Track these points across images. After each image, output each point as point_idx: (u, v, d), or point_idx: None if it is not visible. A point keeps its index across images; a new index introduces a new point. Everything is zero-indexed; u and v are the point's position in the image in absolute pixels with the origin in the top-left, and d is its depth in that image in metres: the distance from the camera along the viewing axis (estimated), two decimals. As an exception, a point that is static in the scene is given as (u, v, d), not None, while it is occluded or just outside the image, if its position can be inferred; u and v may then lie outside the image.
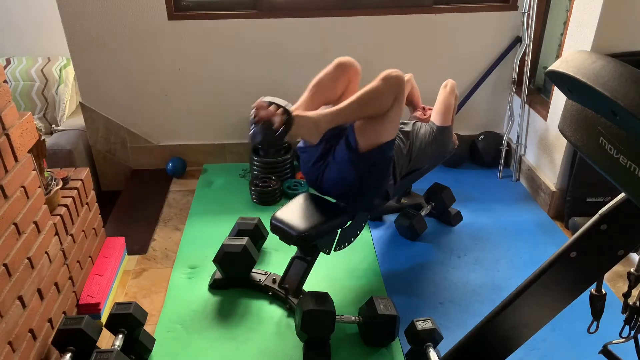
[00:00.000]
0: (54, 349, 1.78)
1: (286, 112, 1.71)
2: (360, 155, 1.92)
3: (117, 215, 2.84)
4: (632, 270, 1.12)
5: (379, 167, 1.98)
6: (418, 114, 2.59)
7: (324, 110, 1.87)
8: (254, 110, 1.73)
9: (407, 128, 2.32)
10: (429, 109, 2.59)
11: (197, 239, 2.59)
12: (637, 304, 1.14)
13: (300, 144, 2.08)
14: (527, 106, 3.01)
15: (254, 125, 1.73)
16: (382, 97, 1.83)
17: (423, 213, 2.61)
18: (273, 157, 2.96)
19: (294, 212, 2.04)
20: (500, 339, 1.36)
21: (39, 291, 1.73)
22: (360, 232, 2.25)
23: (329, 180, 2.03)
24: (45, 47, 3.27)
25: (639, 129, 0.82)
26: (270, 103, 1.72)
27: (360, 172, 1.96)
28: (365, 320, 1.95)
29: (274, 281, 2.21)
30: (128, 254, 2.48)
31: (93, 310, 2.03)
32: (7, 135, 1.59)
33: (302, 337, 1.90)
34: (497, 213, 2.79)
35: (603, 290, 1.20)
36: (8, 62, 3.14)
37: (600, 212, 1.09)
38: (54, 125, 3.10)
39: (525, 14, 2.87)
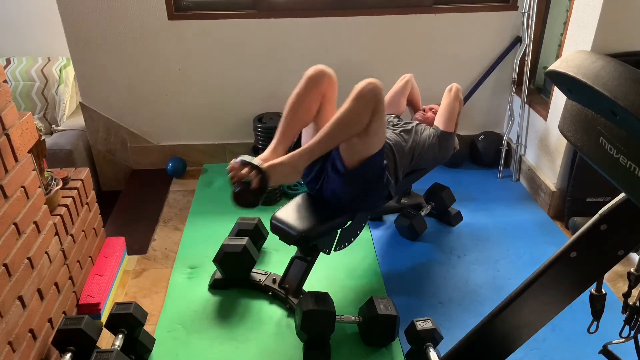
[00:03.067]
0: (54, 349, 1.77)
1: (259, 171, 1.72)
2: (350, 173, 1.90)
3: (117, 215, 2.84)
4: (632, 270, 1.12)
5: (373, 180, 1.96)
6: (419, 114, 2.59)
7: (298, 150, 1.80)
8: (229, 172, 1.75)
9: (409, 127, 2.32)
10: (430, 109, 2.59)
11: (197, 239, 2.59)
12: (637, 304, 1.14)
13: None
14: (527, 106, 3.01)
15: (234, 185, 1.75)
16: (358, 117, 1.77)
17: (423, 213, 2.61)
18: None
19: (294, 212, 2.04)
20: (500, 339, 1.36)
21: (39, 291, 1.73)
22: (360, 232, 2.25)
23: (329, 194, 2.03)
24: (45, 47, 3.27)
25: (639, 129, 0.82)
26: (244, 163, 1.75)
27: (355, 189, 1.95)
28: (365, 320, 1.95)
29: (274, 281, 2.21)
30: (128, 254, 2.48)
31: (93, 310, 2.03)
32: (7, 135, 1.59)
33: (302, 337, 1.90)
34: (497, 213, 2.79)
35: (603, 290, 1.20)
36: (8, 62, 3.14)
37: (600, 212, 1.09)
38: (54, 125, 3.10)
39: (525, 14, 2.87)
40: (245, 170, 1.73)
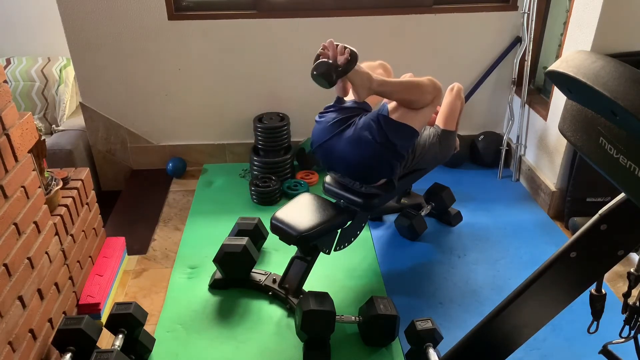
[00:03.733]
0: (54, 349, 1.77)
1: (352, 53, 1.87)
2: (387, 120, 1.98)
3: (117, 215, 2.84)
4: (632, 270, 1.13)
5: (404, 139, 2.03)
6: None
7: (379, 76, 2.01)
8: (322, 47, 1.90)
9: None
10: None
11: (197, 239, 2.60)
12: (637, 304, 1.14)
13: (321, 112, 2.15)
14: (527, 106, 3.01)
15: (319, 57, 1.90)
16: (425, 90, 2.01)
17: (423, 213, 2.61)
18: (273, 157, 2.96)
19: (294, 212, 2.05)
20: (500, 339, 1.36)
21: (39, 291, 1.73)
22: (360, 232, 2.25)
23: (342, 149, 2.02)
24: (45, 47, 3.27)
25: (639, 129, 0.82)
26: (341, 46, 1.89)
27: (384, 139, 1.97)
28: (365, 320, 1.95)
29: (274, 281, 2.21)
30: (128, 254, 2.48)
31: (93, 310, 2.03)
32: (7, 135, 1.59)
33: (302, 337, 1.90)
34: (497, 213, 2.79)
35: (603, 290, 1.20)
36: (8, 62, 3.14)
37: (600, 212, 1.09)
38: (54, 125, 3.10)
39: (525, 14, 2.87)
40: (340, 46, 1.88)
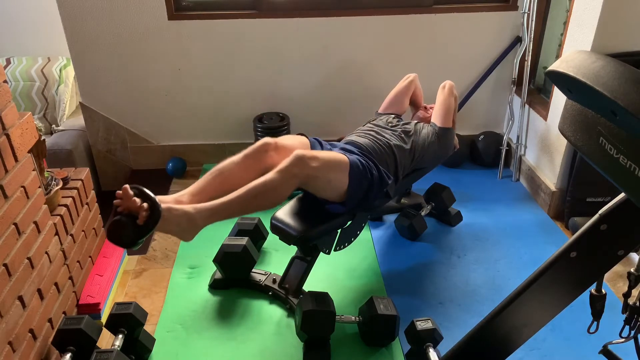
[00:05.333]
0: (54, 349, 1.77)
1: (153, 205, 1.48)
2: (343, 202, 1.90)
3: (117, 215, 2.83)
4: (632, 270, 1.13)
5: (366, 189, 1.93)
6: (420, 113, 2.59)
7: (204, 204, 1.62)
8: (117, 196, 1.53)
9: (409, 127, 2.32)
10: (431, 108, 2.59)
11: (197, 239, 2.57)
12: (637, 304, 1.14)
13: None
14: (527, 106, 3.01)
15: (116, 215, 1.52)
16: (277, 191, 1.65)
17: (423, 213, 2.61)
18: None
19: (294, 212, 2.04)
20: (500, 339, 1.36)
21: (39, 291, 1.73)
22: (360, 232, 2.25)
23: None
24: (45, 47, 3.27)
25: (639, 129, 0.82)
26: (138, 192, 1.52)
27: (355, 204, 1.94)
28: (365, 320, 1.95)
29: (274, 281, 2.21)
30: (128, 254, 2.48)
31: (93, 310, 2.03)
32: (7, 135, 1.59)
33: (302, 337, 1.90)
34: (497, 213, 2.79)
35: (603, 290, 1.20)
36: (8, 62, 3.13)
37: (600, 212, 1.09)
38: (54, 125, 3.10)
39: (525, 14, 2.87)
40: (137, 201, 1.48)
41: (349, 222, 2.14)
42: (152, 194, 1.51)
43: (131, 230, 1.46)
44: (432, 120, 2.47)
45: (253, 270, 2.27)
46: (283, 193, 1.66)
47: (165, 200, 1.58)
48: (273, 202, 1.68)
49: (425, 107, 2.61)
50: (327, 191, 1.84)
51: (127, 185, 1.51)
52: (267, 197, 1.65)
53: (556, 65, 0.97)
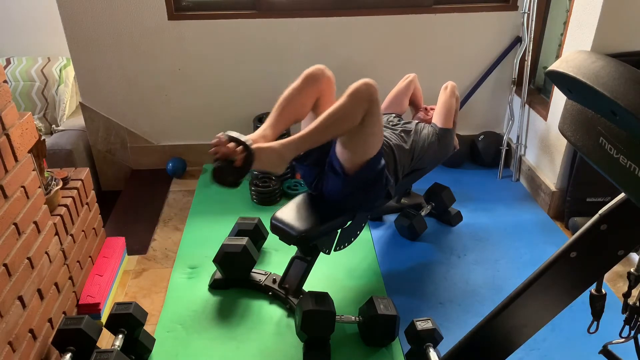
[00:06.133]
0: (54, 349, 1.78)
1: (246, 148, 1.62)
2: (349, 177, 1.89)
3: (117, 215, 2.84)
4: (632, 270, 1.12)
5: (372, 182, 1.95)
6: (421, 114, 2.59)
7: (288, 138, 1.76)
8: (213, 144, 1.64)
9: (410, 127, 2.32)
10: (431, 109, 2.59)
11: (197, 239, 2.59)
12: (637, 304, 1.14)
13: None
14: (527, 106, 3.01)
15: (215, 162, 1.65)
16: (350, 115, 1.74)
17: (423, 213, 2.61)
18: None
19: (294, 212, 2.04)
20: (500, 339, 1.35)
21: (39, 291, 1.73)
22: (360, 232, 2.25)
23: (329, 195, 2.03)
24: (45, 47, 3.27)
25: (639, 129, 0.82)
26: (231, 138, 1.64)
27: (354, 190, 1.94)
28: (365, 320, 1.95)
29: (274, 281, 2.21)
30: (128, 254, 2.48)
31: (93, 310, 2.03)
32: (7, 135, 1.59)
33: (302, 337, 1.90)
34: (497, 213, 2.79)
35: (603, 290, 1.20)
36: (8, 62, 3.13)
37: (600, 212, 1.09)
38: (54, 125, 3.10)
39: (525, 14, 2.87)
40: (231, 146, 1.62)
41: (349, 222, 2.14)
42: (243, 138, 1.64)
43: (231, 173, 1.63)
44: (433, 120, 2.47)
45: (253, 270, 2.27)
46: (354, 118, 1.74)
47: (254, 140, 1.72)
48: (346, 128, 1.76)
49: (426, 109, 2.60)
50: (358, 146, 1.84)
51: (220, 134, 1.64)
52: (341, 123, 1.75)
53: (556, 65, 0.97)
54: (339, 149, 1.87)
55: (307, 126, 1.78)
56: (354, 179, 1.90)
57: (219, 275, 2.26)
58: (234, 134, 1.66)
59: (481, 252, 2.49)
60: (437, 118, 2.45)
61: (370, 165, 1.88)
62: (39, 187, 1.81)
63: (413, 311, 2.11)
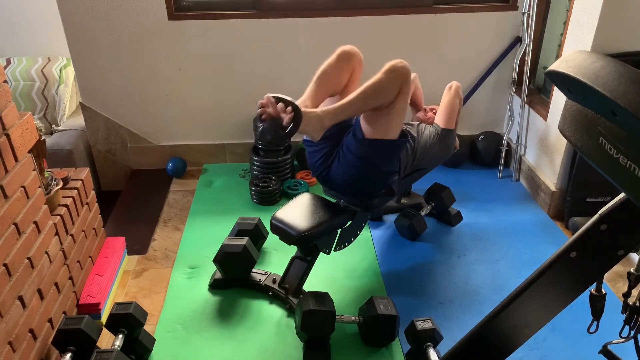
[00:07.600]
0: (54, 349, 1.78)
1: (295, 109, 1.70)
2: (367, 143, 1.92)
3: (117, 215, 2.84)
4: (632, 270, 1.13)
5: (383, 162, 1.98)
6: (420, 114, 2.59)
7: (327, 106, 1.86)
8: (260, 107, 1.72)
9: (412, 128, 2.32)
10: (431, 110, 2.59)
11: (197, 239, 2.59)
12: (637, 304, 1.14)
13: (306, 137, 2.08)
14: (527, 106, 3.01)
15: (261, 122, 1.73)
16: (387, 90, 1.83)
17: (423, 213, 2.61)
18: (273, 157, 2.96)
19: (294, 212, 2.04)
20: (500, 339, 1.36)
21: (39, 291, 1.73)
22: (360, 232, 2.25)
23: (335, 174, 2.03)
24: (45, 47, 3.27)
25: (639, 129, 0.82)
26: (278, 99, 1.72)
27: (363, 167, 1.95)
28: (365, 320, 1.95)
29: (274, 281, 2.21)
30: (128, 254, 2.48)
31: (93, 310, 2.03)
32: (7, 135, 1.59)
33: (302, 337, 1.90)
34: (497, 213, 2.79)
35: (603, 290, 1.20)
36: (8, 62, 3.14)
37: (600, 212, 1.09)
38: (54, 125, 3.10)
39: (525, 14, 2.87)
40: (280, 105, 1.70)
41: (349, 222, 2.14)
42: (291, 99, 1.72)
43: (279, 132, 1.69)
44: (435, 120, 2.47)
45: (253, 270, 2.27)
46: (390, 93, 1.83)
47: (299, 103, 1.80)
48: (380, 103, 1.85)
49: (426, 109, 2.60)
50: (382, 125, 1.90)
51: (269, 94, 1.72)
52: (377, 97, 1.83)
53: (556, 65, 0.97)
54: (364, 120, 1.92)
55: (342, 99, 1.87)
56: (372, 146, 1.92)
57: (219, 275, 2.26)
58: (280, 95, 1.73)
59: (481, 252, 2.49)
60: (439, 118, 2.45)
61: (386, 145, 1.93)
62: (39, 187, 1.81)
63: (413, 311, 2.11)
